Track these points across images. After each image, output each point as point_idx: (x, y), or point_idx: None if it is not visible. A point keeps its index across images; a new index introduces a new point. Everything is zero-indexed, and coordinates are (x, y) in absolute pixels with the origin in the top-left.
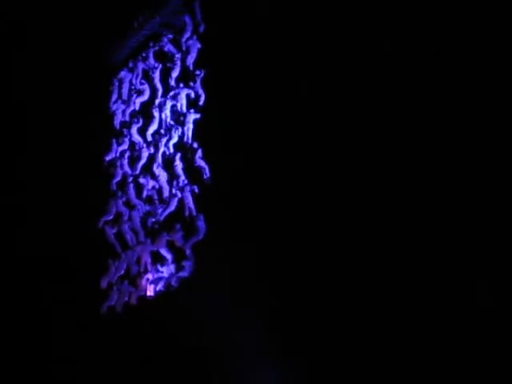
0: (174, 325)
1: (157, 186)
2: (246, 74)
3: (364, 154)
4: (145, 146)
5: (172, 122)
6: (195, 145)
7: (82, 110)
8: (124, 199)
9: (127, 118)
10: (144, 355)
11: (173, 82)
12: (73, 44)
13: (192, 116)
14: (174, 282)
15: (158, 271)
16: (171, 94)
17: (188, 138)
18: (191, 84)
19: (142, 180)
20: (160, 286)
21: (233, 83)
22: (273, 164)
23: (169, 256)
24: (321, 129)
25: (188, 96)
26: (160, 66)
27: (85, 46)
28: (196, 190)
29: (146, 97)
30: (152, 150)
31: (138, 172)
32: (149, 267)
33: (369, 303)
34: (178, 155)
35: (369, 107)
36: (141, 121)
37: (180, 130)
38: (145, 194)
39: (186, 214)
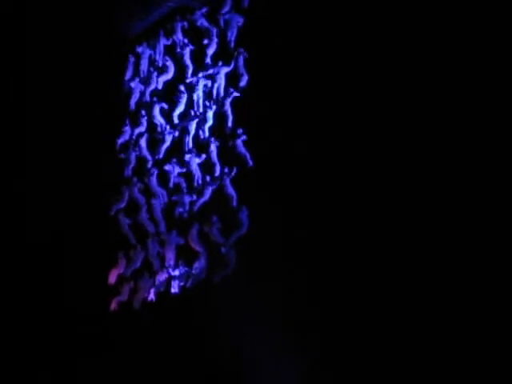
0: (199, 327)
1: (184, 173)
2: (293, 54)
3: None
4: (168, 128)
5: (207, 103)
6: (239, 130)
7: (91, 87)
8: (140, 186)
9: (147, 98)
10: (162, 357)
11: (208, 60)
12: (83, 12)
13: (231, 98)
14: (204, 280)
15: (185, 267)
16: (207, 72)
17: (229, 122)
18: (232, 62)
19: (167, 166)
20: (188, 283)
21: (279, 63)
22: (322, 153)
23: (201, 250)
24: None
25: (228, 75)
26: (188, 41)
27: (96, 15)
28: (236, 180)
29: (170, 75)
30: (177, 134)
31: (160, 157)
32: (172, 262)
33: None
34: (214, 140)
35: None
36: (164, 101)
37: (216, 112)
38: (171, 181)
39: (225, 205)
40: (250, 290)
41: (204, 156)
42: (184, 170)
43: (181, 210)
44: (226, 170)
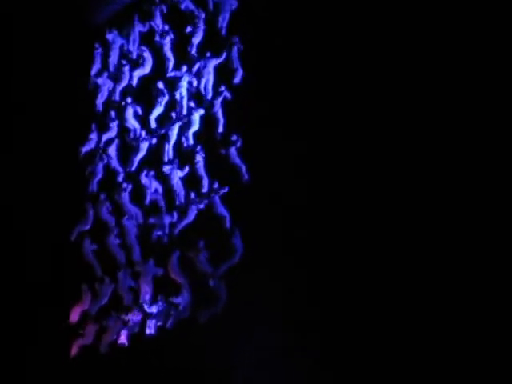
0: (180, 377)
1: (161, 190)
2: (296, 44)
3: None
4: (144, 134)
5: (192, 104)
6: (233, 137)
7: (48, 84)
8: (108, 204)
9: (117, 97)
10: None
11: (194, 51)
12: None
13: (222, 97)
14: (187, 319)
15: (164, 303)
16: (192, 66)
17: (219, 127)
18: (223, 54)
19: (142, 180)
20: (167, 323)
21: (279, 55)
22: (328, 162)
23: (183, 282)
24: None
25: (218, 70)
26: (170, 28)
27: None
28: (229, 197)
29: (146, 69)
30: (155, 141)
31: (133, 169)
32: (148, 296)
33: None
34: (200, 149)
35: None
36: (139, 101)
37: (204, 115)
38: (147, 198)
39: (214, 228)
40: (243, 331)
41: (188, 168)
42: (163, 186)
43: (159, 233)
44: (216, 186)
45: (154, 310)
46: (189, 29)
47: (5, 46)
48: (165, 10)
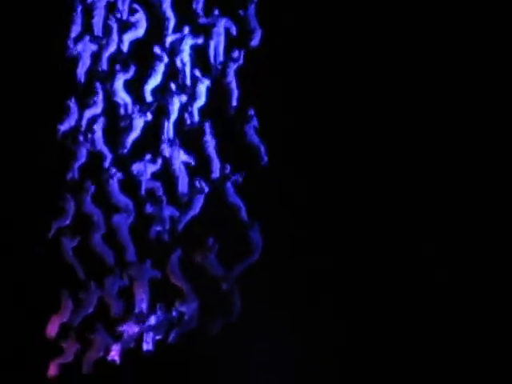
0: None
1: (160, 177)
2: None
3: None
4: (138, 109)
5: (198, 73)
6: (249, 111)
7: (18, 49)
8: (94, 194)
9: (104, 66)
10: None
11: (200, 9)
12: None
13: (237, 65)
14: (194, 331)
15: (164, 312)
16: (197, 25)
17: (233, 100)
18: (237, 12)
19: (136, 165)
20: (169, 336)
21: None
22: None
23: (188, 287)
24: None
25: (229, 31)
26: None
27: None
28: (245, 184)
29: (140, 32)
30: (150, 117)
31: (125, 151)
32: (144, 305)
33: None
34: (209, 126)
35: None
36: (131, 70)
37: (212, 86)
38: (143, 186)
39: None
40: (261, 343)
41: (193, 150)
42: (161, 171)
43: (158, 228)
44: (228, 170)
45: (152, 321)
46: None
47: None
48: None
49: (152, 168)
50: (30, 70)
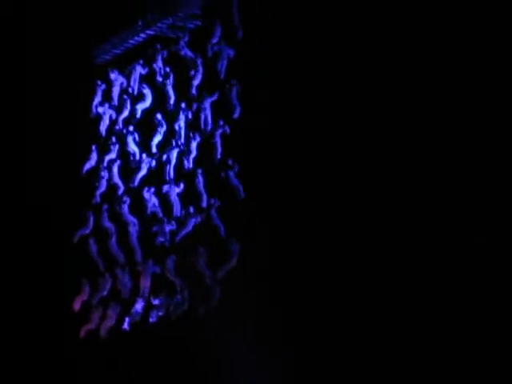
0: (176, 360)
1: (160, 205)
2: (292, 88)
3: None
4: (145, 157)
5: (191, 134)
6: (229, 161)
7: (53, 112)
8: (110, 213)
9: (120, 125)
10: None
11: (194, 91)
12: (49, 32)
13: (221, 129)
14: (187, 311)
15: (161, 296)
16: (192, 102)
17: (218, 153)
18: (220, 94)
19: (145, 194)
20: (170, 312)
21: (274, 95)
22: (320, 183)
23: (181, 283)
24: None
25: (215, 106)
26: (169, 70)
27: (64, 38)
28: (224, 210)
29: (147, 103)
30: (154, 163)
31: (135, 185)
32: (146, 290)
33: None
34: (199, 171)
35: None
36: (139, 129)
37: (202, 143)
38: (148, 210)
39: (210, 236)
40: (235, 321)
41: (185, 186)
42: (162, 201)
43: (161, 239)
44: (213, 202)
45: (156, 301)
46: (190, 72)
47: (18, 72)
48: (166, 55)
49: (154, 199)
50: (67, 125)
